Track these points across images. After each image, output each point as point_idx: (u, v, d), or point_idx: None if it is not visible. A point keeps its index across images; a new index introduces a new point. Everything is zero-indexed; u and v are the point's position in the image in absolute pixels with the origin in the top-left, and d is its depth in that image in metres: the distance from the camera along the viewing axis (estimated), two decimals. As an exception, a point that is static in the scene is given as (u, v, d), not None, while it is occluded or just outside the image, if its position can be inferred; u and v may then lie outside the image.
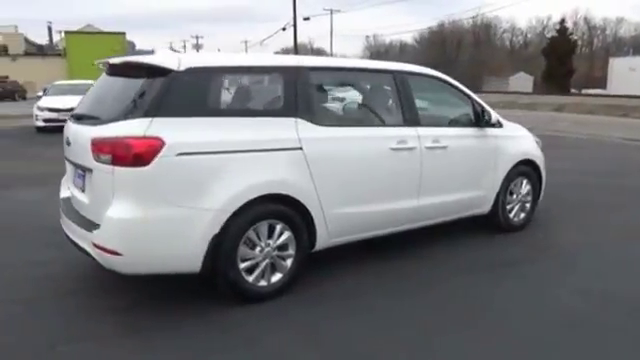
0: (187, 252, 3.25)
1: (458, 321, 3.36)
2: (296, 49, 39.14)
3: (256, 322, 3.32)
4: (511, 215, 5.27)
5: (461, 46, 67.48)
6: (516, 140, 5.23)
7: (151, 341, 3.10)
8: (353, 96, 4.91)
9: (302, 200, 3.64)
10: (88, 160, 3.31)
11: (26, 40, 47.85)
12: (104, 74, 3.90)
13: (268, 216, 3.53)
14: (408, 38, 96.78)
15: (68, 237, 3.63)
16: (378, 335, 3.17)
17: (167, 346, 3.04)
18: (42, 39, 47.81)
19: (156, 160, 3.09)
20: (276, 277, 3.65)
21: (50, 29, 44.43)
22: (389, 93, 4.37)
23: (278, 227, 3.59)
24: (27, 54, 43.04)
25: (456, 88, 4.84)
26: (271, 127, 3.56)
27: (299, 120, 3.66)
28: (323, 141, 3.76)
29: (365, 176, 4.01)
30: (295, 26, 37.94)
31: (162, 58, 3.36)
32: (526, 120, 12.69)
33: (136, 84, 3.35)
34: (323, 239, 3.86)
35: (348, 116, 4.33)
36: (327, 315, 3.44)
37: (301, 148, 3.62)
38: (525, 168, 5.30)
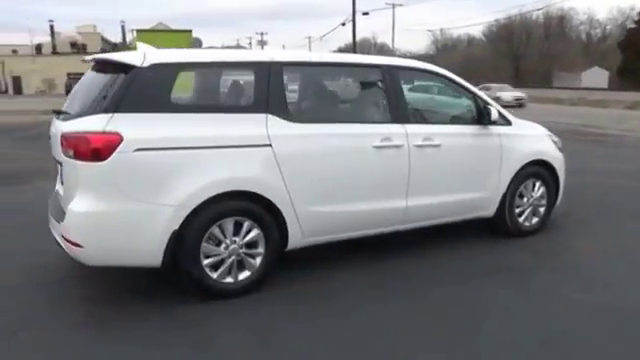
0: (147, 246, 3.28)
1: (429, 331, 3.17)
2: (354, 44, 38.93)
3: (217, 320, 3.29)
4: (521, 219, 4.94)
5: (530, 39, 64.36)
6: (526, 139, 4.88)
7: (114, 332, 3.13)
8: None
9: (270, 198, 3.58)
10: (59, 154, 3.42)
11: (102, 39, 50.80)
12: (89, 70, 4.01)
13: (234, 213, 3.50)
14: (477, 32, 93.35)
15: (50, 230, 3.77)
16: (340, 341, 3.05)
17: (126, 338, 3.07)
18: (117, 37, 50.62)
19: (114, 155, 3.13)
20: (244, 275, 3.61)
21: (123, 28, 47.11)
22: (375, 89, 4.21)
23: (245, 224, 3.55)
24: (103, 52, 45.64)
25: (457, 84, 4.58)
26: (239, 123, 3.52)
27: (270, 116, 3.60)
28: (296, 138, 3.68)
29: (343, 174, 3.88)
30: (354, 21, 37.74)
31: (127, 55, 3.41)
32: (590, 117, 12.00)
33: (105, 80, 3.42)
34: (296, 238, 3.77)
35: (328, 112, 4.19)
36: (291, 316, 3.36)
37: (270, 145, 3.56)
38: (538, 169, 4.94)
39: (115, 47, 48.32)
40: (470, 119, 4.58)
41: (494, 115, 4.46)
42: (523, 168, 4.80)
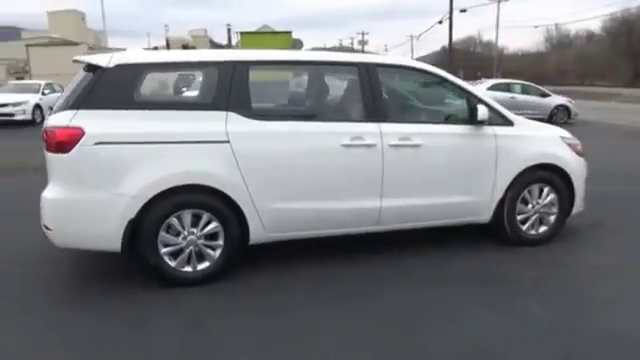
0: (106, 232, 3.56)
1: (358, 333, 3.12)
2: (450, 42, 37.75)
3: (161, 304, 3.50)
4: (524, 227, 4.59)
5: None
6: (530, 141, 4.52)
7: (77, 310, 3.45)
8: None
9: (228, 193, 3.70)
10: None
11: (211, 41, 54.05)
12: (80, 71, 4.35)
13: (191, 206, 3.68)
14: (597, 27, 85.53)
15: None
16: (263, 337, 3.11)
17: (82, 314, 3.39)
18: (224, 40, 53.54)
19: (76, 148, 3.45)
20: (203, 265, 3.79)
21: (229, 30, 49.49)
22: (349, 87, 4.16)
23: (204, 217, 3.72)
24: (208, 55, 48.57)
25: (447, 81, 4.38)
26: (199, 120, 3.69)
27: (230, 114, 3.72)
28: (256, 135, 3.77)
29: (307, 172, 3.89)
30: (451, 19, 36.62)
31: (98, 56, 3.71)
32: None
33: (80, 79, 3.76)
34: (258, 233, 3.86)
35: (294, 110, 4.20)
36: (234, 308, 3.47)
37: (228, 141, 3.68)
38: (545, 174, 4.56)
39: (221, 48, 51.37)
40: (461, 118, 4.35)
41: (481, 114, 4.19)
42: (525, 172, 4.46)
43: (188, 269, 3.76)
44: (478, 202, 4.39)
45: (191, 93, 4.68)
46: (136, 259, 3.71)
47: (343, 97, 4.25)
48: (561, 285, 3.83)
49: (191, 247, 3.73)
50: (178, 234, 3.70)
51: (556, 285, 3.84)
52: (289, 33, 45.35)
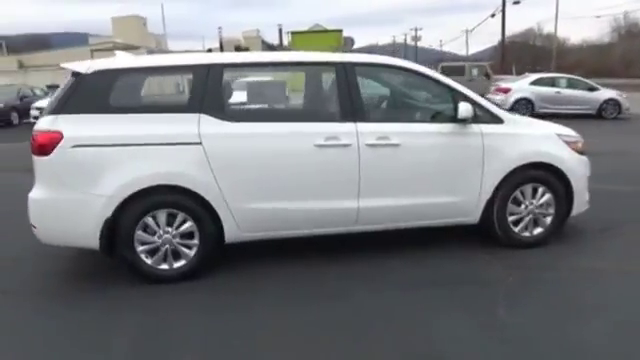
0: (85, 231, 3.74)
1: (311, 334, 3.13)
2: (503, 37, 36.57)
3: (135, 299, 3.66)
4: (517, 228, 4.40)
5: None
6: (521, 138, 4.33)
7: (55, 304, 3.68)
8: None
9: (201, 193, 3.80)
10: None
11: (263, 42, 55.06)
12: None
13: (166, 205, 3.80)
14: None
15: None
16: (216, 336, 3.18)
17: (59, 307, 3.61)
18: (276, 40, 54.36)
19: (56, 150, 3.65)
20: (180, 263, 3.90)
21: (280, 31, 50.21)
22: (326, 87, 4.14)
23: (179, 216, 3.83)
24: (260, 55, 49.58)
25: (432, 80, 4.27)
26: (172, 123, 3.80)
27: (203, 116, 3.81)
28: (228, 137, 3.83)
29: (281, 173, 3.92)
30: (503, 12, 35.45)
31: (79, 64, 3.89)
32: None
33: (64, 85, 3.97)
34: (233, 233, 3.94)
35: (268, 111, 4.22)
36: (200, 306, 3.56)
37: (200, 143, 3.78)
38: (539, 173, 4.36)
39: (272, 48, 52.18)
40: (444, 117, 4.23)
41: (462, 112, 4.06)
42: (517, 171, 4.28)
43: (165, 267, 3.89)
44: (464, 202, 4.26)
45: (240, 95, 4.74)
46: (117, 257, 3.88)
47: (320, 97, 4.25)
48: (541, 290, 3.66)
49: (166, 246, 3.85)
50: (154, 233, 3.83)
51: (536, 290, 3.67)
52: (339, 31, 45.47)
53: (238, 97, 4.56)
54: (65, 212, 3.73)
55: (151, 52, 50.39)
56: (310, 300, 3.59)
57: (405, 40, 67.96)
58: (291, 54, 4.62)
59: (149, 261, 3.85)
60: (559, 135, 4.49)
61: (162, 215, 3.81)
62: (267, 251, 4.37)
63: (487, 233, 4.45)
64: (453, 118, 4.17)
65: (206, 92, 3.85)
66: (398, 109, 4.62)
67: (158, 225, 3.82)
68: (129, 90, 3.96)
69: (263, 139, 3.90)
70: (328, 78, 4.14)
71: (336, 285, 3.81)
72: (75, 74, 3.82)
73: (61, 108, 3.74)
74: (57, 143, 3.65)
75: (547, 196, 4.41)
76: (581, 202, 4.54)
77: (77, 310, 3.54)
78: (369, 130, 4.01)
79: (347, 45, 49.18)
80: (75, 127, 3.69)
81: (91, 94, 3.76)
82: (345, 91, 4.05)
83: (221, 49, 52.87)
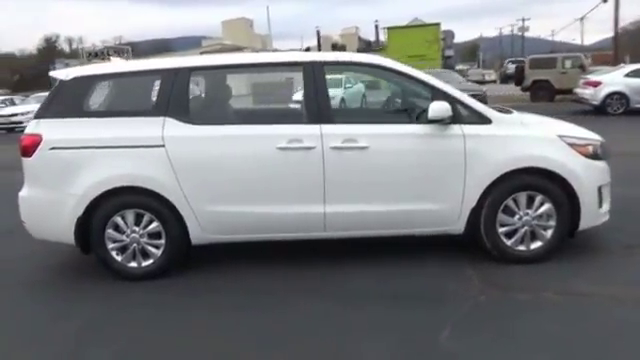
0: (62, 227, 3.98)
1: (229, 343, 3.09)
2: (616, 25, 33.08)
3: (100, 296, 3.84)
4: (509, 241, 3.95)
5: None
6: (512, 141, 3.86)
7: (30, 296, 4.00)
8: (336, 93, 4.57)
9: (164, 194, 3.88)
10: None
11: (359, 38, 55.06)
12: None
13: (133, 206, 3.94)
14: None
15: None
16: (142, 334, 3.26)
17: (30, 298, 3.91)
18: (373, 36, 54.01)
19: (36, 152, 3.93)
20: (147, 262, 4.03)
21: (377, 27, 49.85)
22: (292, 88, 4.00)
23: (145, 217, 3.95)
24: (359, 51, 49.63)
25: (407, 77, 3.96)
26: (139, 126, 3.91)
27: (167, 119, 3.89)
28: (190, 140, 3.87)
29: (244, 176, 3.87)
30: (620, -6, 32.07)
31: (61, 71, 4.15)
32: None
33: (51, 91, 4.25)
34: (198, 234, 3.98)
35: (232, 114, 4.15)
36: (151, 305, 3.65)
37: (163, 146, 3.86)
38: (536, 180, 3.87)
39: (368, 45, 51.88)
40: (422, 117, 3.89)
41: (433, 112, 3.70)
42: (507, 177, 3.83)
43: (134, 265, 4.03)
44: (444, 211, 3.90)
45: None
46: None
47: (283, 99, 4.13)
48: (505, 314, 3.24)
49: (134, 245, 3.99)
50: (124, 232, 3.99)
51: (500, 314, 3.26)
52: (437, 25, 44.12)
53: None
54: (46, 210, 4.01)
55: (255, 52, 52.72)
56: (247, 308, 3.51)
57: (512, 31, 63.88)
58: (258, 55, 4.54)
59: (119, 258, 4.02)
60: (562, 137, 3.93)
61: (130, 215, 3.95)
62: (239, 253, 4.37)
63: (479, 245, 4.04)
64: (431, 119, 3.83)
65: (171, 96, 3.91)
66: (371, 110, 4.35)
67: (127, 224, 3.97)
68: (102, 95, 4.15)
69: (225, 142, 3.88)
70: (293, 79, 4.00)
71: (283, 295, 3.68)
72: (56, 80, 4.09)
73: (43, 113, 4.02)
74: (37, 145, 3.93)
75: (546, 206, 3.89)
76: (592, 214, 3.95)
77: (43, 300, 3.81)
78: (334, 132, 3.83)
79: (447, 39, 47.49)
80: (53, 130, 3.94)
81: (69, 99, 4.00)
82: (311, 92, 3.90)
83: (319, 47, 53.96)
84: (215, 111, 4.21)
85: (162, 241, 3.98)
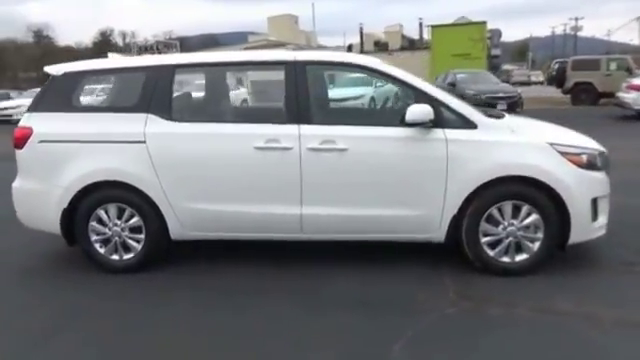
0: (50, 218, 4.09)
1: (183, 342, 3.10)
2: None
3: (73, 287, 3.93)
4: (492, 252, 3.78)
5: None
6: (498, 147, 3.68)
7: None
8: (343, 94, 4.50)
9: (144, 190, 3.92)
10: None
11: (402, 36, 54.34)
12: None
13: (115, 200, 4.01)
14: None
15: None
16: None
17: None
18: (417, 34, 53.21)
19: (27, 145, 4.06)
20: (128, 255, 4.10)
21: (421, 25, 49.05)
22: (274, 87, 3.96)
23: (127, 211, 4.02)
24: (402, 49, 48.92)
25: (390, 78, 3.84)
26: (122, 121, 3.97)
27: (150, 116, 3.93)
28: (171, 136, 3.90)
29: (221, 174, 3.87)
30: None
31: (54, 66, 4.25)
32: None
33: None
34: (176, 230, 4.01)
35: (213, 112, 4.12)
36: (123, 298, 3.71)
37: (144, 142, 3.90)
38: (523, 189, 3.68)
39: (412, 43, 51.07)
40: (404, 120, 3.77)
41: (409, 115, 3.57)
42: (492, 185, 3.67)
43: (116, 257, 4.11)
44: (424, 217, 3.77)
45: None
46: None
47: (265, 98, 4.09)
48: (468, 329, 3.09)
49: (116, 238, 4.06)
50: (106, 225, 4.07)
51: (462, 328, 3.10)
52: (483, 23, 43.05)
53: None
54: (35, 200, 4.14)
55: (298, 49, 53.00)
56: (215, 307, 3.50)
57: (564, 31, 61.41)
58: (242, 54, 4.51)
59: (102, 251, 4.10)
60: (553, 145, 3.71)
61: (113, 209, 4.03)
62: (224, 251, 4.37)
63: (462, 254, 3.89)
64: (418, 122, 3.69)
65: (155, 93, 3.95)
66: (352, 111, 4.24)
67: (109, 218, 4.04)
68: (90, 90, 4.23)
69: (204, 140, 3.88)
70: (278, 77, 3.95)
71: (255, 296, 3.65)
72: (49, 75, 4.20)
73: (35, 106, 4.14)
74: (27, 138, 4.05)
75: (533, 217, 3.70)
76: (584, 227, 3.73)
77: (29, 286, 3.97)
78: (313, 133, 3.76)
79: (493, 38, 46.15)
80: (43, 124, 4.06)
81: (59, 94, 4.11)
82: (292, 91, 3.84)
83: (361, 45, 53.72)
84: (197, 109, 4.23)
85: (142, 236, 4.04)
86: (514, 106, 14.57)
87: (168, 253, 4.22)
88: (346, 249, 4.23)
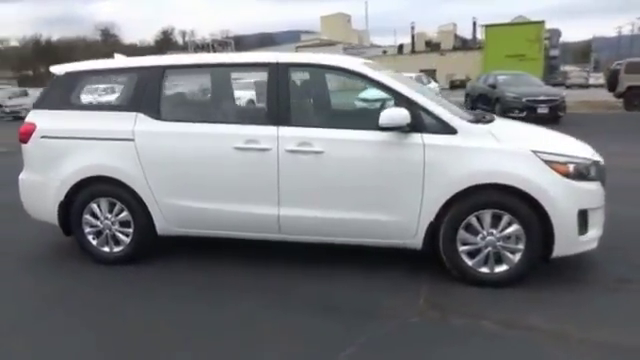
0: (49, 209, 4.33)
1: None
2: None
3: (60, 277, 4.14)
4: (471, 262, 3.67)
5: None
6: (477, 154, 3.55)
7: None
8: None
9: (131, 185, 4.08)
10: None
11: (455, 36, 53.27)
12: None
13: (106, 194, 4.19)
14: None
15: None
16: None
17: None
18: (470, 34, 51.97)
19: (31, 140, 4.32)
20: (118, 248, 4.27)
21: (474, 24, 47.95)
22: (257, 88, 4.01)
23: (117, 206, 4.19)
24: (454, 49, 47.95)
25: (372, 81, 3.79)
26: (115, 120, 4.14)
27: (139, 115, 4.08)
28: (158, 135, 4.03)
29: (203, 173, 3.96)
30: None
31: (57, 66, 4.47)
32: None
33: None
34: (162, 225, 4.14)
35: (198, 112, 4.19)
36: (103, 289, 3.88)
37: (133, 139, 4.05)
38: (502, 198, 3.55)
39: (464, 42, 49.89)
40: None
41: (382, 119, 3.52)
42: (471, 193, 3.56)
43: (106, 250, 4.29)
44: (400, 223, 3.71)
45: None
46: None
47: (251, 99, 4.13)
48: (424, 341, 3.00)
49: (107, 231, 4.24)
50: (98, 218, 4.25)
51: (419, 338, 3.03)
52: (540, 23, 41.47)
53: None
54: (37, 192, 4.38)
55: (349, 48, 52.96)
56: (189, 302, 3.59)
57: (632, 31, 58.09)
58: (230, 55, 4.55)
59: (95, 242, 4.29)
60: (537, 152, 3.55)
61: (104, 203, 4.21)
62: (208, 247, 4.48)
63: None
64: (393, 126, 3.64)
65: (145, 92, 4.10)
66: (332, 114, 4.21)
67: (101, 211, 4.23)
68: (89, 89, 4.43)
69: (187, 139, 3.98)
70: (261, 79, 4.00)
71: (228, 292, 3.72)
72: (54, 75, 4.44)
73: (39, 104, 4.40)
74: (31, 134, 4.30)
75: (514, 227, 3.56)
76: (570, 240, 3.55)
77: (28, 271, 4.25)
78: (291, 135, 3.78)
79: (552, 38, 44.33)
80: (45, 120, 4.29)
81: (61, 92, 4.34)
82: (274, 93, 3.88)
83: (412, 45, 53.09)
84: (184, 108, 4.34)
85: (131, 230, 4.19)
86: (556, 110, 13.95)
87: (155, 247, 4.36)
88: (334, 251, 4.20)
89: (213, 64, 4.34)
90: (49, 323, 3.33)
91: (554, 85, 37.26)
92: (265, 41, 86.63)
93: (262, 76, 3.97)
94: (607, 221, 3.83)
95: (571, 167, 3.55)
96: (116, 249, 4.27)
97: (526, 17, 51.07)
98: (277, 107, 3.86)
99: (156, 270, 4.17)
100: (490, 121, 4.02)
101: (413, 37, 48.80)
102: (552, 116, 13.92)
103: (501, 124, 4.10)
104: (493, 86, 15.43)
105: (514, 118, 13.77)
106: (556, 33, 43.60)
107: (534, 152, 3.56)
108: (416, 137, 3.63)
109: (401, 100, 3.69)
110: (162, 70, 4.12)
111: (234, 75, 4.58)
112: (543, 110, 13.69)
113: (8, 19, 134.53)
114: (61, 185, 4.20)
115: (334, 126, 3.92)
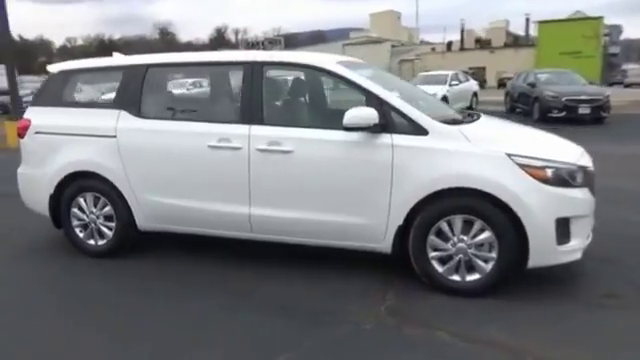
0: (41, 202, 4.50)
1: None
2: None
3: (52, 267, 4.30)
4: (441, 269, 3.51)
5: None
6: (447, 156, 3.39)
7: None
8: None
9: (113, 181, 4.18)
10: None
11: (507, 33, 51.34)
12: None
13: (91, 189, 4.31)
14: None
15: None
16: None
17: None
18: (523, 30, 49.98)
19: (27, 135, 4.50)
20: (102, 241, 4.38)
21: (527, 20, 46.08)
22: (232, 87, 3.99)
23: (101, 200, 4.30)
24: (505, 46, 46.29)
25: (346, 80, 3.69)
26: (100, 117, 4.24)
27: (122, 112, 4.16)
28: (138, 132, 4.10)
29: (178, 170, 3.99)
30: None
31: (53, 65, 4.63)
32: None
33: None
34: (141, 220, 4.22)
35: (176, 110, 4.20)
36: (90, 281, 3.99)
37: (115, 136, 4.14)
38: (473, 203, 3.38)
39: (516, 39, 47.98)
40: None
41: (346, 119, 3.42)
42: (440, 197, 3.41)
43: (92, 242, 4.41)
44: (368, 226, 3.60)
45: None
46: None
47: (223, 97, 4.12)
48: (368, 346, 2.91)
49: (92, 224, 4.36)
50: (85, 212, 4.38)
51: (362, 345, 2.93)
52: (598, 19, 39.38)
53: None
54: (32, 185, 4.56)
55: (394, 47, 52.25)
56: (157, 295, 3.65)
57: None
58: (212, 54, 4.51)
59: (81, 235, 4.43)
60: (511, 156, 3.35)
61: (90, 197, 4.33)
62: (188, 243, 4.52)
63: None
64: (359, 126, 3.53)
65: (128, 90, 4.18)
66: (305, 113, 4.12)
67: (87, 205, 4.35)
68: (79, 87, 4.56)
69: (164, 136, 4.03)
70: (237, 77, 3.99)
71: (198, 288, 3.75)
72: (49, 73, 4.60)
73: (35, 101, 4.58)
74: (27, 129, 4.49)
75: (486, 234, 3.38)
76: (546, 250, 3.33)
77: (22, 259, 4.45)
78: (261, 134, 3.75)
79: (612, 35, 42.03)
80: (39, 117, 4.47)
81: (54, 89, 4.50)
82: (247, 92, 3.85)
83: (461, 42, 51.55)
84: (163, 106, 4.38)
85: (114, 224, 4.29)
86: (599, 110, 13.17)
87: (136, 242, 4.44)
88: (314, 252, 4.12)
89: (193, 63, 4.38)
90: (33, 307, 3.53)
91: (611, 84, 35.33)
92: (316, 39, 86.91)
93: (239, 75, 3.96)
94: (609, 231, 3.57)
95: (549, 172, 3.33)
96: (100, 242, 4.38)
97: (584, 12, 48.65)
98: (250, 106, 3.83)
99: (133, 264, 4.25)
100: (472, 121, 3.84)
101: (462, 34, 47.47)
102: (594, 117, 13.17)
103: (482, 124, 3.90)
104: (533, 85, 14.74)
105: (554, 119, 13.21)
106: (617, 29, 41.34)
107: (508, 155, 3.35)
108: (385, 138, 3.51)
109: (371, 99, 3.58)
110: (144, 69, 4.18)
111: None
112: (584, 110, 12.97)
113: (76, 19, 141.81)
114: (51, 179, 4.36)
115: (306, 125, 3.87)
